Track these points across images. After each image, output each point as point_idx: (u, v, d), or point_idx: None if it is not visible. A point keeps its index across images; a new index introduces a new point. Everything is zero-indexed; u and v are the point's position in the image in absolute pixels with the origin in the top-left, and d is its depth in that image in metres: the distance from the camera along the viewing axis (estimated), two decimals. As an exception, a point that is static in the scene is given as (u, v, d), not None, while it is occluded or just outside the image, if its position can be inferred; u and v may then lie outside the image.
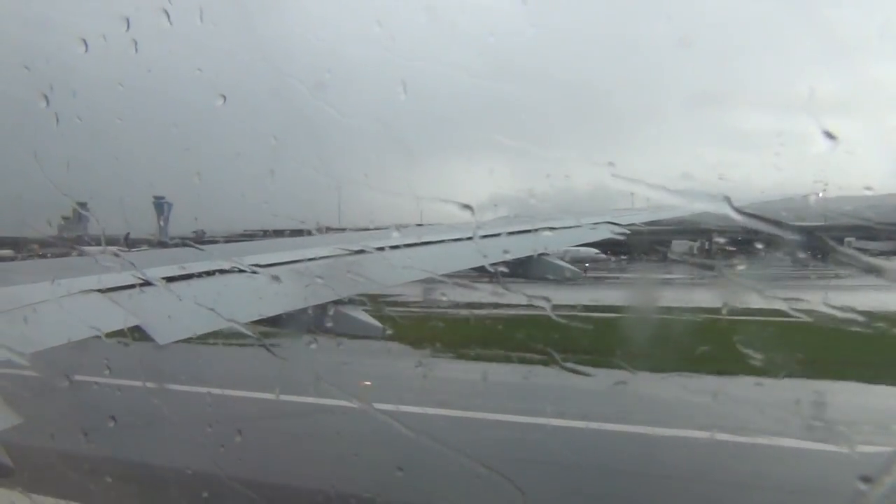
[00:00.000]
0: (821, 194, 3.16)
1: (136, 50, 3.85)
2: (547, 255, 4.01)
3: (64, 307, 2.51)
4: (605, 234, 4.62)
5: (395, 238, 3.88)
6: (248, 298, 3.02)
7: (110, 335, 2.51)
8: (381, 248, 3.65)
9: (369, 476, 6.09)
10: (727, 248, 4.02)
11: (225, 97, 3.61)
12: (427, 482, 5.63)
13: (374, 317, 3.25)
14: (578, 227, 4.55)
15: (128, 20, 3.77)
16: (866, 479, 1.97)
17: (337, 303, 3.06)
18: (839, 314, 2.34)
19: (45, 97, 3.52)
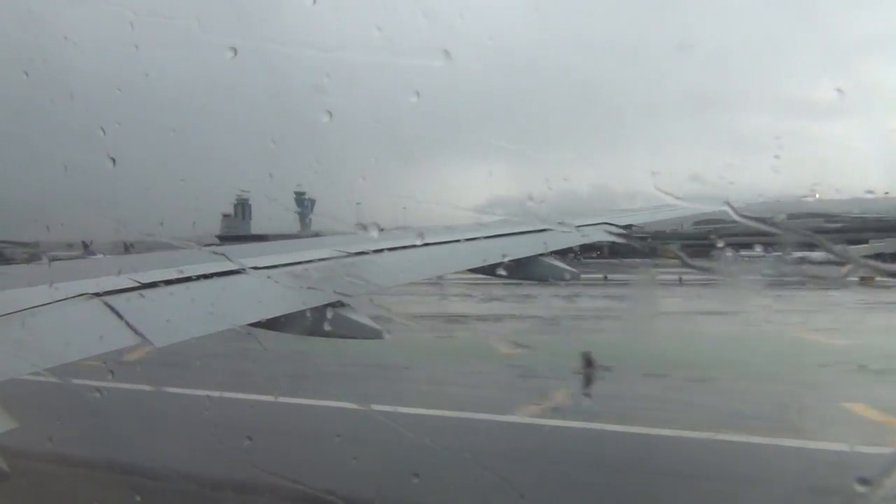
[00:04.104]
0: (817, 195, 3.18)
1: (135, 54, 3.86)
2: (546, 255, 4.02)
3: (61, 312, 2.51)
4: (601, 235, 4.63)
5: (395, 240, 3.89)
6: (245, 301, 3.03)
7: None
8: (380, 251, 3.66)
9: (370, 479, 6.08)
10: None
11: (331, 114, 3.49)
12: (429, 484, 5.62)
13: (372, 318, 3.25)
14: (575, 227, 4.55)
15: (130, 24, 3.77)
16: (864, 481, 1.96)
17: (335, 305, 3.06)
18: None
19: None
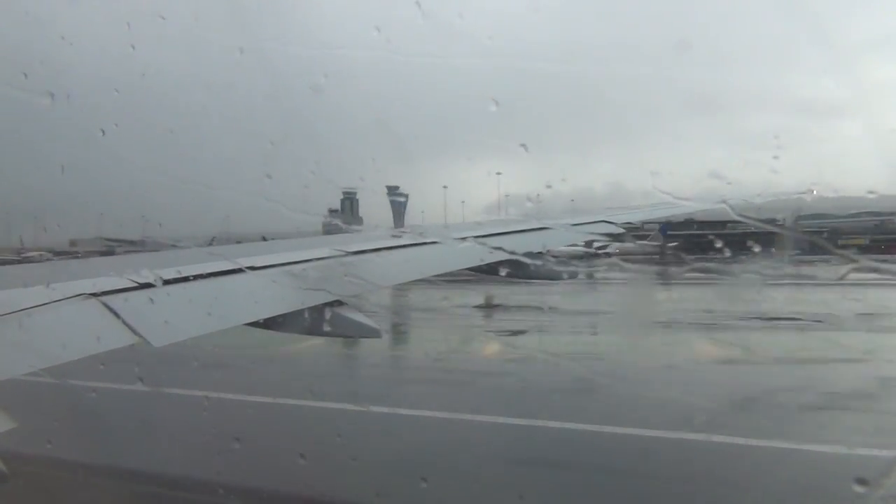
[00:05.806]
0: (815, 192, 3.18)
1: (132, 54, 3.86)
2: (544, 254, 4.02)
3: (59, 312, 2.50)
4: (599, 231, 4.63)
5: (393, 239, 3.89)
6: (244, 301, 3.01)
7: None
8: (378, 249, 3.65)
9: (367, 481, 6.07)
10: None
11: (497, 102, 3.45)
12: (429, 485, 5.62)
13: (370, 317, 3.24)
14: (572, 225, 4.56)
15: (127, 24, 3.76)
16: (862, 482, 1.96)
17: (333, 304, 3.05)
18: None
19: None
